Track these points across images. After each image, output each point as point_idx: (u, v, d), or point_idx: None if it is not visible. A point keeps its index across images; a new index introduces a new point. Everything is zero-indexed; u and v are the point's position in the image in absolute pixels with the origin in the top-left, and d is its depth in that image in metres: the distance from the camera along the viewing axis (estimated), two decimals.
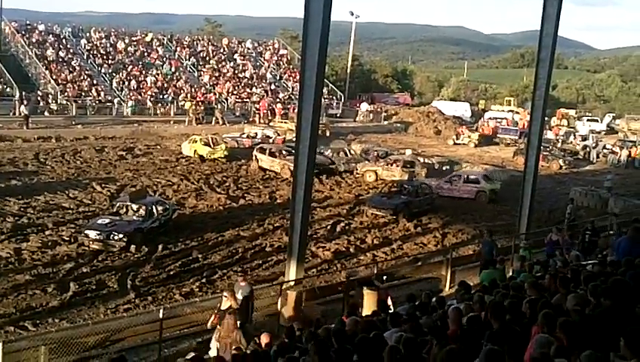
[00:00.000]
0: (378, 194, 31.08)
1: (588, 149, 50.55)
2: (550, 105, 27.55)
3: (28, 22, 60.57)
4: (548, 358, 5.94)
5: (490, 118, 63.12)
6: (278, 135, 44.68)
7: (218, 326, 12.76)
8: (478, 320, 8.11)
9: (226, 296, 13.75)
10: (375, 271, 18.28)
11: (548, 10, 22.51)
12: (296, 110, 50.53)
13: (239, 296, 14.37)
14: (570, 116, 72.79)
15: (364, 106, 64.26)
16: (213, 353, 12.21)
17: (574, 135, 56.90)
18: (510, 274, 16.15)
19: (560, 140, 54.22)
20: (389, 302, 14.46)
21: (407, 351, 6.88)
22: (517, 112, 67.85)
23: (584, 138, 54.28)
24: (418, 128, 59.73)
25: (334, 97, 64.15)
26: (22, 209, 24.88)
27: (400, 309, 11.54)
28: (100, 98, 50.76)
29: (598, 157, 49.37)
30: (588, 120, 70.25)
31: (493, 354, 5.71)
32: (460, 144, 52.62)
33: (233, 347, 11.74)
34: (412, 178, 34.11)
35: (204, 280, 19.07)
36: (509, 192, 32.58)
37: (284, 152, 36.55)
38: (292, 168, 34.31)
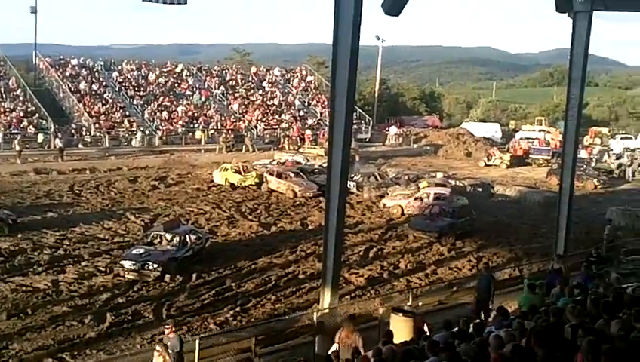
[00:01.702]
0: (420, 216, 30.75)
1: (623, 168, 49.67)
2: (582, 123, 27.26)
3: (61, 56, 61.75)
4: None
5: (521, 139, 62.55)
6: (308, 161, 44.84)
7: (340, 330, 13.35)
8: (520, 349, 7.95)
9: (158, 351, 12.60)
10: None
11: (577, 30, 22.37)
12: (325, 136, 51.26)
13: (169, 351, 13.00)
14: (604, 134, 71.95)
15: (393, 130, 64.14)
16: (331, 351, 12.99)
17: (608, 153, 56.07)
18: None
19: (594, 159, 53.42)
20: (426, 328, 14.28)
21: None
22: (548, 132, 67.21)
23: (619, 156, 53.42)
24: (448, 150, 59.36)
25: (363, 121, 64.16)
26: (58, 241, 25.21)
27: (437, 336, 11.39)
28: (132, 129, 51.37)
29: (633, 175, 48.41)
30: (622, 138, 69.04)
31: None
32: (491, 165, 52.18)
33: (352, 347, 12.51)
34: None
35: (238, 309, 19.06)
36: (544, 214, 32.25)
37: (290, 174, 37.76)
38: (296, 190, 35.86)
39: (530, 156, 55.57)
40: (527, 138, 63.08)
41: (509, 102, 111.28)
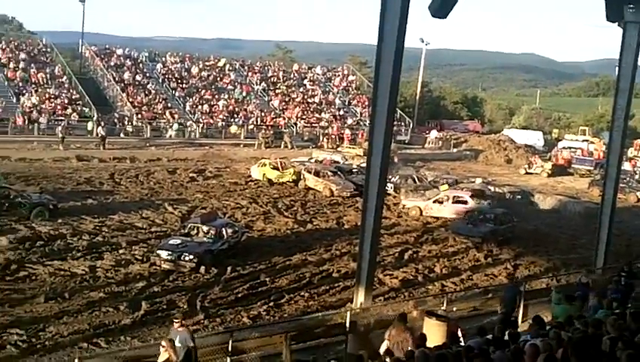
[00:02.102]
0: (461, 220, 30.61)
1: None
2: (627, 135, 26.89)
3: (107, 46, 62.65)
4: None
5: (564, 148, 61.48)
6: (346, 160, 44.87)
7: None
8: (554, 360, 7.85)
9: (163, 347, 11.98)
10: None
11: (627, 40, 22.03)
12: (364, 136, 51.23)
13: (178, 345, 12.43)
14: None
15: (434, 133, 63.85)
16: (382, 349, 12.76)
17: None
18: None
19: (637, 172, 52.33)
20: (459, 334, 14.15)
21: None
22: (592, 142, 66.01)
23: None
24: (488, 156, 58.78)
25: (403, 123, 63.95)
26: (97, 227, 25.55)
27: (471, 342, 11.28)
28: (173, 121, 51.81)
29: None
30: None
31: None
32: (532, 173, 51.51)
33: (402, 347, 12.37)
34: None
35: (271, 304, 19.11)
36: (584, 225, 31.75)
37: (328, 173, 37.87)
38: (333, 188, 35.91)
39: (572, 166, 54.68)
40: (570, 147, 61.95)
41: (552, 110, 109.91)
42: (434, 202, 33.18)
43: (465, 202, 32.89)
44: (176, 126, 50.98)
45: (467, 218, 30.53)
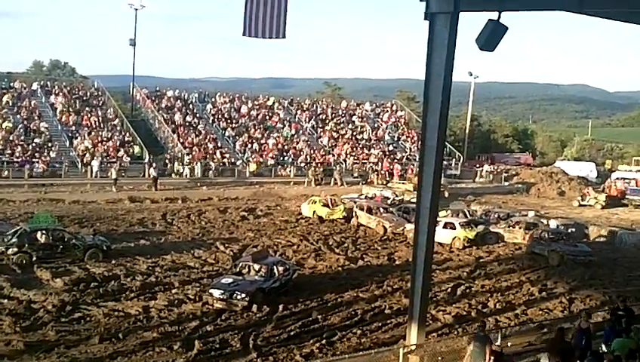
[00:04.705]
0: (560, 244, 31.13)
1: None
2: None
3: (158, 88, 63.88)
4: None
5: (617, 179, 60.18)
6: (396, 196, 44.69)
7: None
8: None
9: None
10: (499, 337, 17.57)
11: None
12: (414, 171, 51.04)
13: None
14: None
15: (486, 167, 63.32)
16: None
17: None
18: None
19: None
20: None
21: None
22: None
23: None
24: (540, 189, 57.97)
25: (453, 158, 63.57)
26: (150, 268, 25.90)
27: None
28: (223, 160, 52.44)
29: None
30: None
31: None
32: (585, 205, 50.55)
33: None
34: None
35: (324, 342, 18.99)
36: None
37: (381, 210, 37.78)
38: (386, 225, 35.70)
39: (626, 197, 53.53)
40: (624, 178, 60.57)
41: (605, 141, 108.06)
42: None
43: (454, 227, 33.58)
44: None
45: (552, 240, 31.47)
